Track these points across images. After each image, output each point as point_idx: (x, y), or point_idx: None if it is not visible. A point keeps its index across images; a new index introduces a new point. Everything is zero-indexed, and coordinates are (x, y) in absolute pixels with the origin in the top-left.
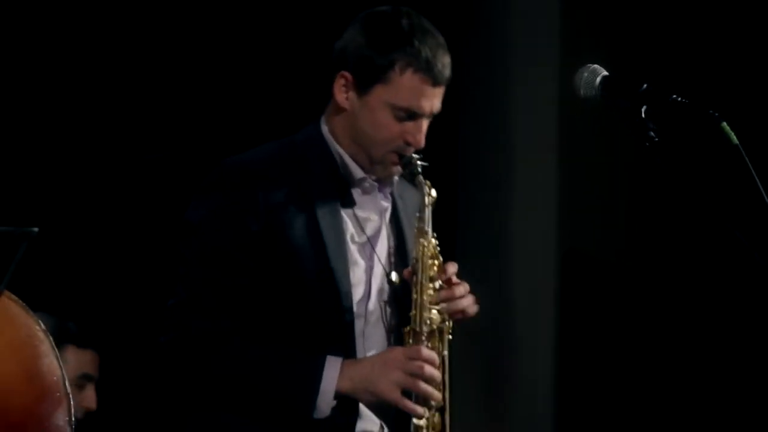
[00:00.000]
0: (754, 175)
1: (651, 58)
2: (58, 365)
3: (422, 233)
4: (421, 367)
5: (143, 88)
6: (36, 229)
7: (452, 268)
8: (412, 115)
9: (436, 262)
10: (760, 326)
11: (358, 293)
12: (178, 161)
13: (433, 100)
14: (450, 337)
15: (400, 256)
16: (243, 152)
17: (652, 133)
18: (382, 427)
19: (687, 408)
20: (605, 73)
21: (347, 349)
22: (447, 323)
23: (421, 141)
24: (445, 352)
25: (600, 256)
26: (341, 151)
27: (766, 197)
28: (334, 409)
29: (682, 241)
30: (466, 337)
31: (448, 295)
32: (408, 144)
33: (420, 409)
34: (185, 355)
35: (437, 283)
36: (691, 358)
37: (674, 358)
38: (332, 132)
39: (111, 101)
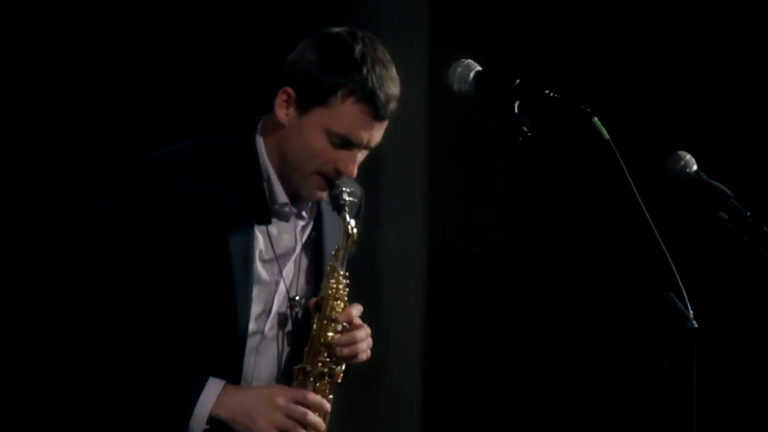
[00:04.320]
0: (625, 169)
1: (522, 54)
2: None
3: (334, 272)
4: (305, 414)
5: None
6: None
7: (356, 310)
8: (348, 143)
9: (341, 304)
10: (630, 323)
11: (258, 309)
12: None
13: (372, 133)
14: (339, 381)
15: (309, 278)
16: (165, 146)
17: (524, 128)
18: None
19: (558, 406)
20: (479, 68)
21: (233, 369)
22: (338, 368)
23: (353, 171)
24: (330, 396)
25: (469, 251)
26: (270, 169)
27: (636, 192)
28: (207, 431)
29: (552, 236)
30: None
31: (349, 339)
32: (338, 172)
33: None
34: (69, 346)
35: (339, 326)
36: (564, 354)
37: (546, 356)
38: (266, 146)
39: None
